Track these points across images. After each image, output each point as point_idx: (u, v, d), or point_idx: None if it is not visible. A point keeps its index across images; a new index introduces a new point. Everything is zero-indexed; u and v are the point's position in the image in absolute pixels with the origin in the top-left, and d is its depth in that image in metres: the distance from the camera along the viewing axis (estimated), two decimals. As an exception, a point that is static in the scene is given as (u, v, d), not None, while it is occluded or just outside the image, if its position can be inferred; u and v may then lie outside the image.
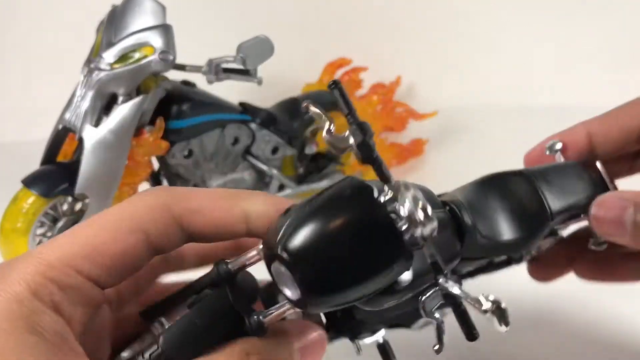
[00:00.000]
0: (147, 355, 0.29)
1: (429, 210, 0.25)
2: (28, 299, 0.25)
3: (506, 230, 0.36)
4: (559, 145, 0.43)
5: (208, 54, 0.73)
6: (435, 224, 0.26)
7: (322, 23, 1.30)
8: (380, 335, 0.39)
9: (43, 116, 0.83)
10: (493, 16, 1.28)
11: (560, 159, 0.43)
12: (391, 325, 0.40)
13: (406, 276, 0.28)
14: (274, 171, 0.84)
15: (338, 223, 0.25)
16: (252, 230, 0.29)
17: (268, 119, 0.83)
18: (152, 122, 0.73)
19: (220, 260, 0.29)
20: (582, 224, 0.41)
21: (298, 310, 0.28)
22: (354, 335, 0.39)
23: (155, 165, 0.79)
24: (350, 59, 1.10)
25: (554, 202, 0.38)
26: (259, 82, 0.73)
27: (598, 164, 0.42)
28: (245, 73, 0.73)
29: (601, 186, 0.41)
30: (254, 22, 1.26)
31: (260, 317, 0.28)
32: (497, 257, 0.42)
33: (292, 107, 0.87)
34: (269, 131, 0.84)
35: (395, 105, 1.10)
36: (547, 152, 0.43)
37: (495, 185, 0.38)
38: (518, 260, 0.45)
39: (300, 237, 0.25)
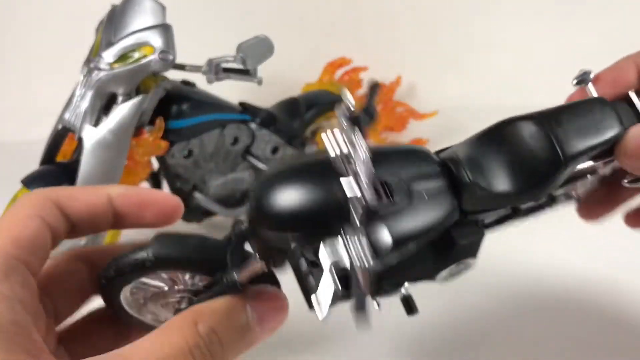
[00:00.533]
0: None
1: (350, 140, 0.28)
2: None
3: (506, 182, 0.34)
4: (590, 76, 0.38)
5: (208, 54, 0.73)
6: (364, 156, 0.28)
7: (322, 23, 1.30)
8: (403, 289, 0.38)
9: (42, 116, 0.83)
10: (493, 16, 1.28)
11: (593, 93, 0.39)
12: (415, 279, 0.38)
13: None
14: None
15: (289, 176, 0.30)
16: (116, 208, 0.35)
17: (268, 119, 0.83)
18: (151, 122, 0.73)
19: (237, 220, 0.33)
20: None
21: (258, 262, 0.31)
22: (376, 292, 0.37)
23: (155, 165, 0.79)
24: (350, 59, 1.10)
25: (571, 144, 0.35)
26: (259, 82, 0.73)
27: (631, 94, 0.38)
28: (245, 73, 0.73)
29: (636, 118, 0.37)
30: (254, 22, 1.26)
31: (234, 275, 0.31)
32: (517, 205, 0.39)
33: (292, 107, 0.87)
34: (269, 131, 0.84)
35: (396, 105, 1.10)
36: (575, 83, 0.38)
37: (500, 134, 0.36)
38: (549, 204, 0.41)
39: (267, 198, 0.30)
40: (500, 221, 0.40)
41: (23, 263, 0.30)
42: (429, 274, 0.38)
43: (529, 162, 0.35)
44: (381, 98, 1.06)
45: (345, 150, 0.29)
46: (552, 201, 0.41)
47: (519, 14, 1.27)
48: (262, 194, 0.30)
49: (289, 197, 0.30)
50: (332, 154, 0.30)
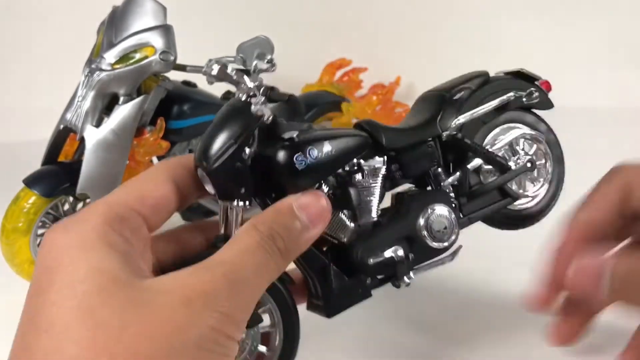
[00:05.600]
0: None
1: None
2: (102, 227, 0.34)
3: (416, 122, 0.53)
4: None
5: (208, 55, 0.73)
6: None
7: (322, 23, 1.30)
8: (397, 254, 0.48)
9: (44, 116, 0.83)
10: (493, 17, 1.29)
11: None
12: (400, 240, 0.49)
13: (292, 132, 0.43)
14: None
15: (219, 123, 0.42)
16: None
17: (268, 119, 0.83)
18: (152, 122, 0.73)
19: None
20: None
21: (234, 206, 0.41)
22: (366, 257, 0.47)
23: (156, 165, 0.80)
24: (350, 60, 1.10)
25: (445, 86, 0.56)
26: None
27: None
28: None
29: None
30: (254, 22, 1.27)
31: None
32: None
33: (292, 107, 0.88)
34: (269, 131, 0.84)
35: (395, 105, 1.11)
36: None
37: (413, 107, 0.57)
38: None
39: (204, 150, 0.40)
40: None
41: (141, 216, 0.37)
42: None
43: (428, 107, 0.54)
44: (381, 98, 1.07)
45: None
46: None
47: (519, 14, 1.28)
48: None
49: None
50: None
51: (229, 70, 0.43)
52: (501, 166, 0.55)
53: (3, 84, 1.31)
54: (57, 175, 0.70)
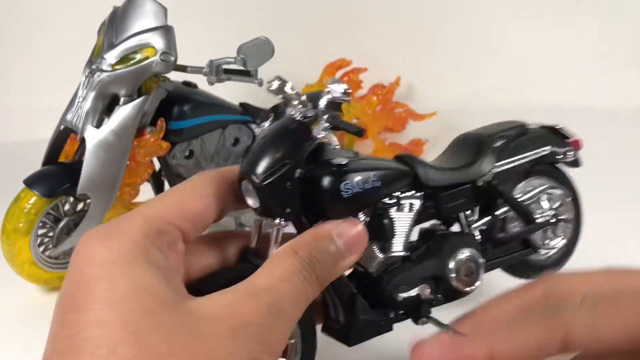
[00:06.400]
0: None
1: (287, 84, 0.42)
2: (142, 241, 0.34)
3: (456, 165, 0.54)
4: None
5: (209, 55, 0.73)
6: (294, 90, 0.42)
7: (322, 24, 1.30)
8: (424, 293, 0.49)
9: (45, 117, 0.83)
10: (493, 17, 1.29)
11: None
12: (428, 279, 0.50)
13: (341, 159, 0.43)
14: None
15: (262, 138, 0.42)
16: None
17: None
18: (153, 122, 0.73)
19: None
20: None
21: (277, 225, 0.41)
22: (392, 292, 0.48)
23: (157, 165, 0.80)
24: (350, 60, 1.10)
25: (486, 132, 0.57)
26: (260, 83, 0.73)
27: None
28: (245, 74, 0.73)
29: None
30: (255, 23, 1.27)
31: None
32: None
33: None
34: (270, 132, 0.84)
35: (395, 105, 1.11)
36: None
37: (451, 147, 0.59)
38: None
39: (246, 159, 0.41)
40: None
41: (179, 230, 0.37)
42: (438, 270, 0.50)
43: (468, 150, 0.56)
44: (381, 99, 1.07)
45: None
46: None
47: (518, 15, 1.28)
48: None
49: None
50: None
51: (287, 88, 0.42)
52: (528, 217, 0.57)
53: (3, 84, 1.31)
54: (58, 176, 0.70)
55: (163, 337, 0.30)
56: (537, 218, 0.58)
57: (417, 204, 0.48)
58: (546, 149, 0.58)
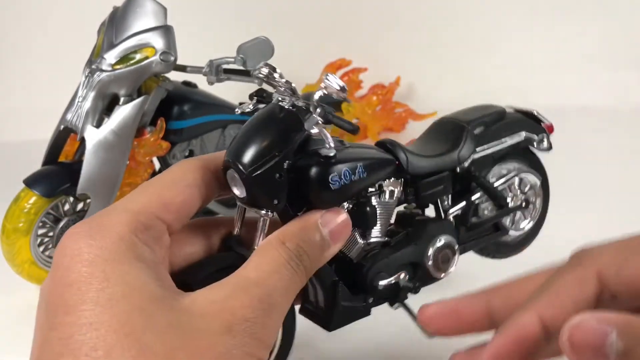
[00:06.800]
0: None
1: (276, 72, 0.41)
2: (128, 237, 0.33)
3: (435, 151, 0.54)
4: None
5: (209, 55, 0.73)
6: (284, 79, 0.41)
7: (322, 23, 1.30)
8: (402, 280, 0.50)
9: (45, 116, 0.83)
10: (492, 17, 1.29)
11: None
12: (406, 266, 0.50)
13: (330, 151, 0.41)
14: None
15: (248, 125, 0.41)
16: None
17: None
18: (153, 122, 0.73)
19: None
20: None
21: (264, 215, 0.40)
22: (373, 279, 0.48)
23: (157, 165, 0.80)
24: (350, 60, 1.10)
25: (465, 117, 0.58)
26: (260, 83, 0.73)
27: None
28: (245, 74, 0.73)
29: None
30: (254, 23, 1.27)
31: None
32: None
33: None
34: (269, 131, 0.84)
35: (395, 105, 1.11)
36: None
37: (429, 131, 0.59)
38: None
39: (231, 146, 0.40)
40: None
41: (164, 223, 0.36)
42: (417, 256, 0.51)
43: (448, 136, 0.56)
44: (381, 99, 1.07)
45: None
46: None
47: (518, 15, 1.28)
48: None
49: None
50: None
51: (276, 75, 0.42)
52: (501, 202, 0.58)
53: (3, 84, 1.31)
54: (58, 176, 0.70)
55: (159, 337, 0.30)
56: (509, 202, 0.59)
57: (397, 190, 0.48)
58: (522, 135, 0.59)
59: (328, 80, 0.41)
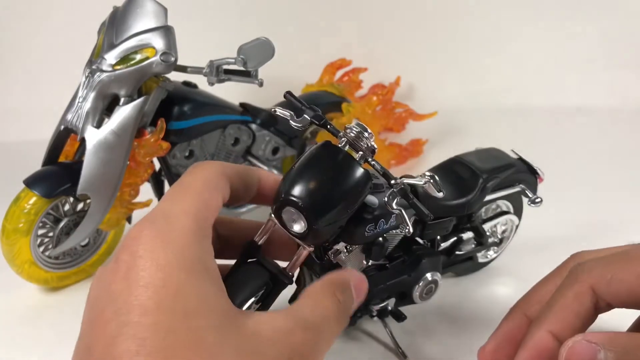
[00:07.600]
0: None
1: (367, 133, 0.42)
2: (195, 246, 0.34)
3: (451, 197, 0.58)
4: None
5: (209, 56, 0.73)
6: (371, 141, 0.42)
7: (322, 24, 1.30)
8: (390, 303, 0.57)
9: (45, 117, 0.83)
10: (493, 17, 1.29)
11: None
12: (396, 293, 0.57)
13: (373, 200, 0.45)
14: (275, 172, 0.84)
15: (319, 167, 0.41)
16: (261, 189, 0.44)
17: (268, 120, 0.84)
18: (153, 123, 0.73)
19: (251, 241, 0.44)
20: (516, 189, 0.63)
21: (307, 248, 0.42)
22: (368, 302, 0.55)
23: (157, 165, 0.80)
24: (350, 60, 1.10)
25: (482, 166, 0.60)
26: (260, 84, 0.73)
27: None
28: (246, 74, 0.73)
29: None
30: (255, 23, 1.27)
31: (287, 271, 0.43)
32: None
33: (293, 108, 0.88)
34: (270, 132, 0.84)
35: (395, 105, 1.10)
36: None
37: (444, 169, 0.61)
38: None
39: (298, 184, 0.40)
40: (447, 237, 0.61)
41: (214, 230, 0.38)
42: (408, 288, 0.57)
43: (462, 183, 0.59)
44: (381, 99, 1.07)
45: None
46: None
47: (518, 15, 1.28)
48: None
49: None
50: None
51: (366, 134, 0.42)
52: (482, 241, 0.65)
53: (3, 84, 1.31)
54: (58, 176, 0.70)
55: (232, 357, 0.31)
56: (489, 239, 0.66)
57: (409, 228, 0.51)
58: (518, 189, 0.64)
59: (431, 182, 0.42)
